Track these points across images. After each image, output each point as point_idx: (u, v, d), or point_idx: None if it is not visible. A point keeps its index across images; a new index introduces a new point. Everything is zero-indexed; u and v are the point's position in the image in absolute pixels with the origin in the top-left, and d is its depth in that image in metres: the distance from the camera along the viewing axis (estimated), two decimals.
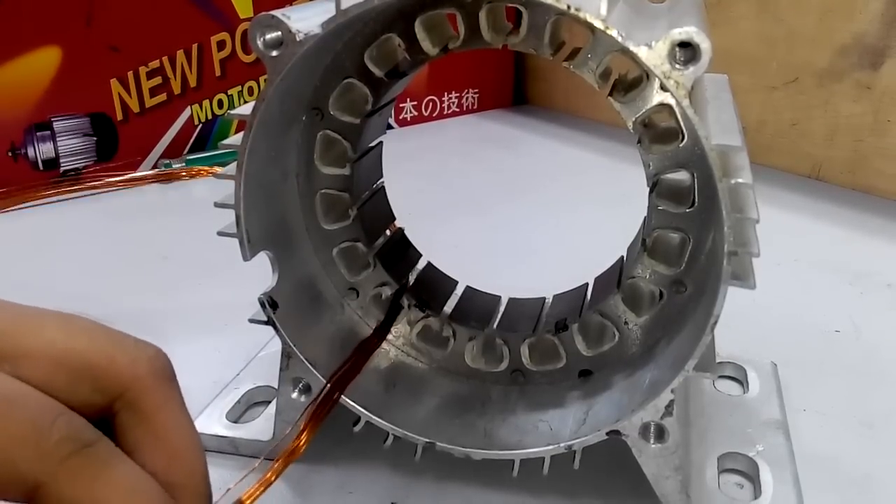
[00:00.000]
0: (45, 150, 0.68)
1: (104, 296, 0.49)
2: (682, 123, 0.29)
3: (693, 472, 0.31)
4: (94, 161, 0.70)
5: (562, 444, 0.30)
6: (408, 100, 0.87)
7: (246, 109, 0.28)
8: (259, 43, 0.26)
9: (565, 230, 0.58)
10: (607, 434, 0.29)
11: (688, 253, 0.30)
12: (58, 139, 0.68)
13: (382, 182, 0.37)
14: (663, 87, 0.28)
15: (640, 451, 0.29)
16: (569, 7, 0.24)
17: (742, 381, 0.37)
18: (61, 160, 0.69)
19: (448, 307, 0.36)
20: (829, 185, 0.65)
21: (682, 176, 0.30)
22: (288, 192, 0.33)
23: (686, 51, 0.23)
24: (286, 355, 0.32)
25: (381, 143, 0.36)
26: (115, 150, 0.71)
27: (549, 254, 0.54)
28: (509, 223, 0.60)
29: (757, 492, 0.31)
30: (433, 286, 0.37)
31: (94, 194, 0.68)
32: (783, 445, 0.33)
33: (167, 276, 0.52)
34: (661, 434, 0.29)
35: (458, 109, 0.92)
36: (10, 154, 0.67)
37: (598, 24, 0.24)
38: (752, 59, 0.67)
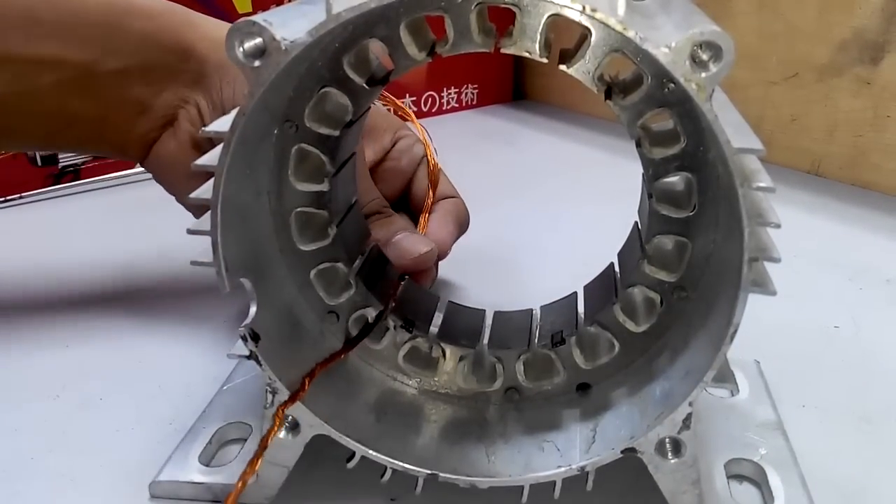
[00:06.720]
0: None
1: (102, 292, 0.48)
2: (680, 126, 0.28)
3: (703, 482, 0.30)
4: (92, 157, 0.67)
5: (574, 466, 0.28)
6: (406, 95, 0.86)
7: (223, 125, 0.25)
8: (238, 52, 0.24)
9: (565, 225, 0.58)
10: (622, 452, 0.28)
11: (687, 258, 0.29)
12: None
13: (356, 197, 0.35)
14: (663, 88, 0.27)
15: (657, 468, 0.28)
16: (584, 8, 0.22)
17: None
18: (60, 156, 0.67)
19: (434, 326, 0.34)
20: (828, 180, 0.65)
21: (681, 179, 0.29)
22: (260, 212, 0.30)
23: (708, 51, 0.22)
24: (271, 392, 0.29)
25: (354, 154, 0.34)
26: None
27: (548, 249, 0.54)
28: (508, 218, 0.59)
29: (767, 497, 0.30)
30: (415, 304, 0.35)
31: (92, 190, 0.65)
32: (784, 447, 0.32)
33: (166, 273, 0.50)
34: (677, 448, 0.28)
35: (457, 105, 0.91)
36: None
37: (617, 26, 0.22)
38: (752, 55, 0.68)
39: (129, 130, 0.40)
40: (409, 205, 0.46)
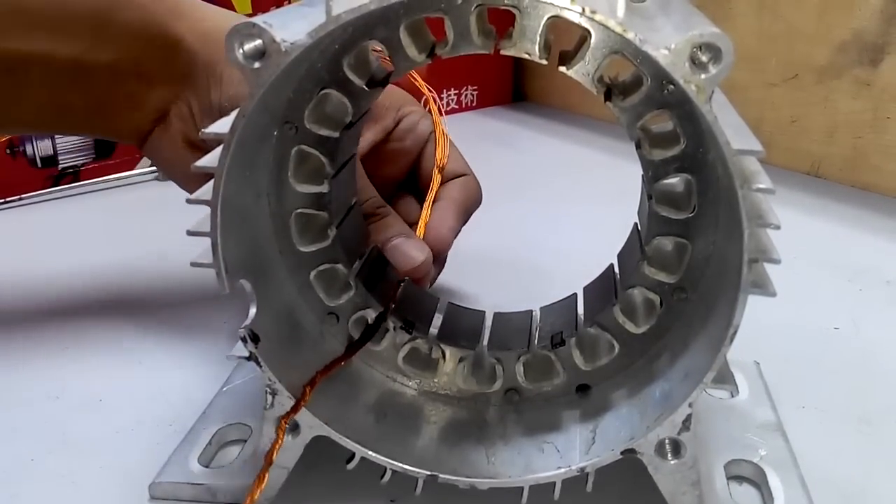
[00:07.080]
0: (43, 147, 0.66)
1: (102, 294, 0.48)
2: (680, 128, 0.28)
3: (703, 483, 0.30)
4: (92, 159, 0.68)
5: (574, 467, 0.28)
6: None
7: (223, 127, 0.25)
8: (238, 54, 0.24)
9: (565, 226, 0.58)
10: (622, 453, 0.28)
11: (687, 259, 0.29)
12: (56, 136, 0.66)
13: (357, 198, 0.35)
14: (663, 90, 0.27)
15: (657, 469, 0.28)
16: (583, 10, 0.22)
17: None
18: (59, 157, 0.67)
19: (434, 327, 0.34)
20: (828, 182, 0.65)
21: (681, 181, 0.29)
22: (260, 213, 0.30)
23: (707, 53, 0.22)
24: (270, 393, 0.29)
25: (354, 155, 0.34)
26: (113, 148, 0.68)
27: (548, 250, 0.54)
28: (508, 220, 0.59)
29: (767, 498, 0.30)
30: (415, 305, 0.35)
31: (92, 192, 0.66)
32: (784, 448, 0.32)
33: (165, 274, 0.50)
34: (677, 449, 0.28)
35: (457, 107, 0.91)
36: (8, 152, 0.65)
37: (617, 28, 0.22)
38: (752, 56, 0.68)
39: (123, 123, 0.40)
40: (417, 184, 0.44)
